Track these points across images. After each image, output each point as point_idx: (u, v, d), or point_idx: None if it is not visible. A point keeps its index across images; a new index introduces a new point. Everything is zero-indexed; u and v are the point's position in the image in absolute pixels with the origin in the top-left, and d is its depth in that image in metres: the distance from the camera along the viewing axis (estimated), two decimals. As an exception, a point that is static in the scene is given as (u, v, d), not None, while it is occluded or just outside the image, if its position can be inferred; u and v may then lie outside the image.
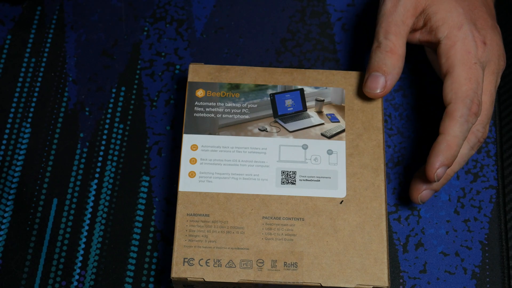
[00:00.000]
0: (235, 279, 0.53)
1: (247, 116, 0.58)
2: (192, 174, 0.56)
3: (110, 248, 0.59)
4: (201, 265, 0.53)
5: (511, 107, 0.64)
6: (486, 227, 0.60)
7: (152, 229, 0.60)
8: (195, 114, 0.58)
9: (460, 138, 0.54)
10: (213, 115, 0.58)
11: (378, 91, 0.56)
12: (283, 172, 0.56)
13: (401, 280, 0.58)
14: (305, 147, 0.57)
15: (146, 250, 0.59)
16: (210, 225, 0.54)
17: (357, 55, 0.66)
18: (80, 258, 0.59)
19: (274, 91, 0.59)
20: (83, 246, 0.59)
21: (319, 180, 0.56)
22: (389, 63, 0.56)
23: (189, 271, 0.53)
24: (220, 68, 0.60)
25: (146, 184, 0.61)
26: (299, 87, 0.59)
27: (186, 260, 0.53)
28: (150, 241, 0.59)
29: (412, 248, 0.59)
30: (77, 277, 0.58)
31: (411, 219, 0.60)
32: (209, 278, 0.53)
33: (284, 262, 0.53)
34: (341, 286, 0.52)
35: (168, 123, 0.63)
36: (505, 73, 0.65)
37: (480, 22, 0.57)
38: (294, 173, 0.56)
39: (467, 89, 0.54)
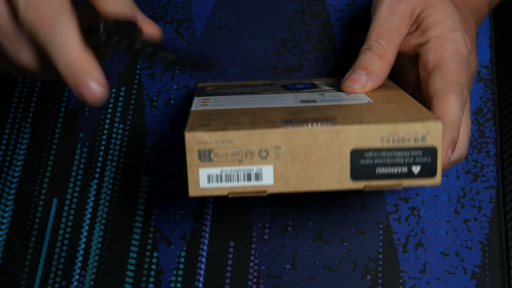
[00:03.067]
0: (261, 126, 0.46)
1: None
2: (205, 102, 0.52)
3: (110, 248, 0.59)
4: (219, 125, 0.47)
5: (511, 107, 0.64)
6: (486, 227, 0.60)
7: (152, 229, 0.60)
8: (206, 91, 0.56)
9: (459, 118, 0.51)
10: (224, 90, 0.56)
11: (357, 87, 0.54)
12: (303, 101, 0.52)
13: (401, 280, 0.58)
14: (322, 94, 0.54)
15: (146, 250, 0.59)
16: (227, 125, 0.47)
17: (357, 55, 0.66)
18: (80, 258, 0.59)
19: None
20: (83, 246, 0.59)
21: (341, 100, 0.52)
22: (376, 65, 0.54)
23: (205, 130, 0.46)
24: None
25: (146, 184, 0.61)
26: (312, 81, 0.58)
27: (200, 124, 0.47)
28: (150, 241, 0.59)
29: (412, 248, 0.59)
30: (77, 277, 0.58)
31: (411, 219, 0.60)
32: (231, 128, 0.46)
33: (319, 119, 0.48)
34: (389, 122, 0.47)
35: (168, 123, 0.63)
36: (505, 73, 0.65)
37: (471, 37, 0.56)
38: (314, 101, 0.52)
39: (459, 78, 0.52)
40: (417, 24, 0.56)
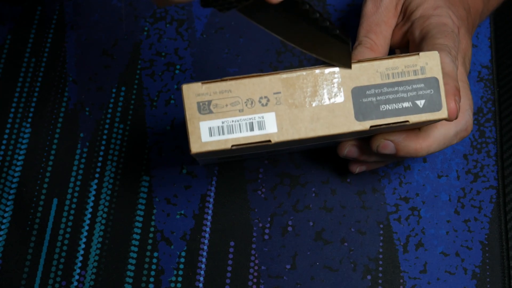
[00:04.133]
0: (259, 74, 0.46)
1: None
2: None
3: (110, 248, 0.59)
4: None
5: (511, 107, 0.64)
6: (486, 227, 0.60)
7: (152, 229, 0.60)
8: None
9: (454, 70, 0.49)
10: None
11: None
12: None
13: (401, 280, 0.58)
14: None
15: (146, 250, 0.59)
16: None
17: (357, 55, 0.66)
18: (80, 258, 0.59)
19: None
20: (83, 246, 0.59)
21: None
22: (367, 57, 0.54)
23: (203, 82, 0.45)
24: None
25: (146, 184, 0.61)
26: None
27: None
28: (150, 241, 0.59)
29: (413, 248, 0.59)
30: (77, 277, 0.58)
31: (411, 219, 0.60)
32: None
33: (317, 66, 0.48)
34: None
35: (168, 123, 0.63)
36: (505, 73, 0.65)
37: (457, 16, 0.55)
38: None
39: (444, 41, 0.51)
40: (403, 14, 0.56)
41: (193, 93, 0.45)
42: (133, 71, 0.65)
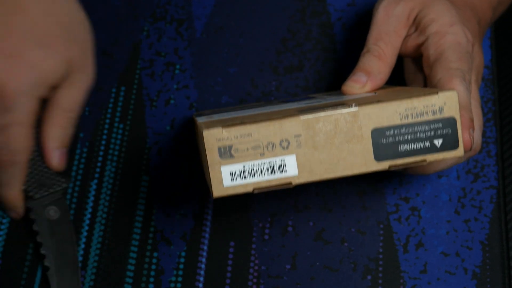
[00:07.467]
0: (279, 117, 0.46)
1: None
2: (210, 118, 0.50)
3: (110, 248, 0.59)
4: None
5: (511, 107, 0.64)
6: (486, 227, 0.60)
7: (152, 229, 0.60)
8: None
9: (468, 99, 0.50)
10: None
11: (357, 87, 0.54)
12: (309, 103, 0.52)
13: (401, 281, 0.58)
14: (324, 99, 0.53)
15: (146, 250, 0.59)
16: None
17: (357, 55, 0.66)
18: (80, 258, 0.59)
19: None
20: (82, 246, 0.59)
21: (346, 98, 0.52)
22: (374, 66, 0.54)
23: (224, 126, 0.45)
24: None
25: (146, 184, 0.61)
26: None
27: (216, 123, 0.46)
28: (150, 241, 0.59)
29: (413, 248, 0.59)
30: (77, 277, 0.58)
31: (411, 219, 0.60)
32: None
33: (336, 104, 0.48)
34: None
35: (168, 123, 0.63)
36: (505, 73, 0.65)
37: (471, 31, 0.56)
38: (320, 102, 0.52)
39: (459, 65, 0.52)
40: (416, 26, 0.56)
41: (213, 138, 0.45)
42: (133, 71, 0.65)
